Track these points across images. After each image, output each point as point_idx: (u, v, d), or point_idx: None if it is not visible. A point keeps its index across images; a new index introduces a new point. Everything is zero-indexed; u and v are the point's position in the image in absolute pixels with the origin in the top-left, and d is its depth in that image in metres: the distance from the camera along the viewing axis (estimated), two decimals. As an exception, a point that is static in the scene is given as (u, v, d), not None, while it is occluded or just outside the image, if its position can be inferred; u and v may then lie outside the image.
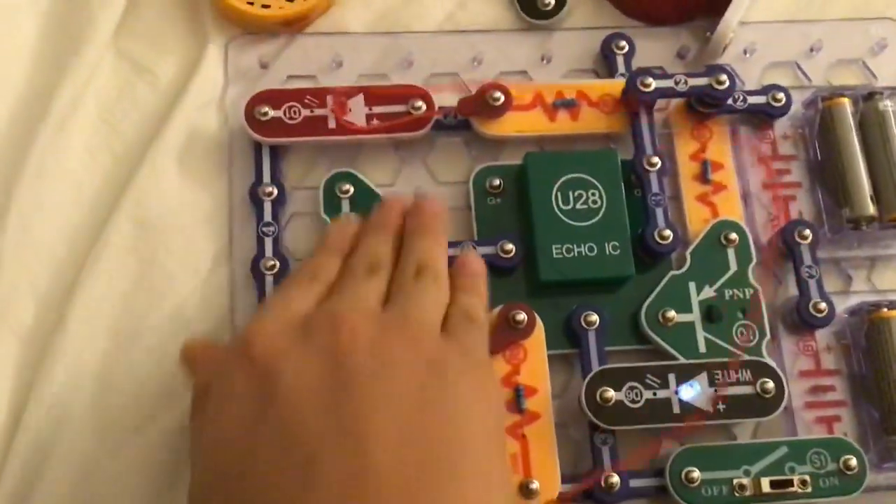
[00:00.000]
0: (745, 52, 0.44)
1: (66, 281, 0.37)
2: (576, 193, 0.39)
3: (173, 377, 0.36)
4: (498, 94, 0.39)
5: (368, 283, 0.33)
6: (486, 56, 0.42)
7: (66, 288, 0.37)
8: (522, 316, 0.36)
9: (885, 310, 0.39)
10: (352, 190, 0.39)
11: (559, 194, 0.39)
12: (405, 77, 0.41)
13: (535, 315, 0.37)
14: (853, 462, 0.36)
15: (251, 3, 0.41)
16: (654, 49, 0.43)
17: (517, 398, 0.36)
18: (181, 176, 0.39)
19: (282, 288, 0.34)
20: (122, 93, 0.40)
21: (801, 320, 0.38)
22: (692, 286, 0.39)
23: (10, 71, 0.40)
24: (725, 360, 0.37)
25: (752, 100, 0.41)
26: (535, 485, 0.35)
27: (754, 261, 0.39)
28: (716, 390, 0.36)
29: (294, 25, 0.42)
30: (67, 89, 0.39)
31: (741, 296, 0.39)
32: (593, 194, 0.39)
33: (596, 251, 0.38)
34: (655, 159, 0.40)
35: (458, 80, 0.42)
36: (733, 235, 0.39)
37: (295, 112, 0.39)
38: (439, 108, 0.40)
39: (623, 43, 0.42)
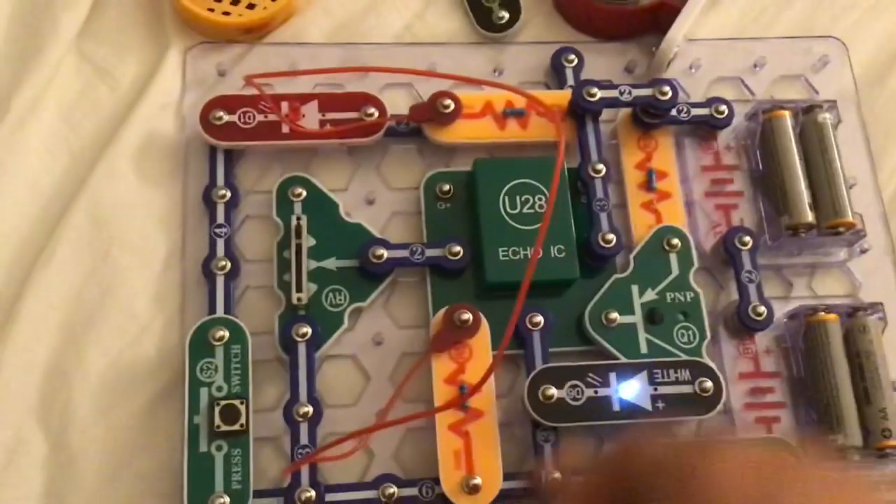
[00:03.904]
0: (691, 67, 0.45)
1: (19, 276, 0.38)
2: (523, 198, 0.40)
3: (122, 373, 0.36)
4: (448, 101, 0.41)
5: None
6: (441, 67, 0.44)
7: (20, 282, 0.38)
8: (467, 316, 0.37)
9: (823, 313, 0.40)
10: (304, 193, 0.40)
11: (506, 199, 0.40)
12: (361, 86, 0.42)
13: (481, 315, 0.38)
14: (790, 461, 0.37)
15: (212, 10, 0.42)
16: (603, 63, 0.45)
17: (461, 396, 0.37)
18: (137, 176, 0.40)
19: None
20: (83, 94, 0.41)
21: (741, 324, 0.40)
22: (635, 289, 0.40)
23: None
24: (665, 359, 0.38)
25: (695, 112, 0.43)
26: (477, 480, 0.36)
27: (696, 266, 0.40)
28: (655, 389, 0.37)
29: (254, 33, 0.43)
30: (28, 88, 0.40)
31: (682, 299, 0.40)
32: (539, 199, 0.40)
33: (542, 254, 0.39)
34: (600, 166, 0.41)
35: (413, 90, 0.43)
36: (676, 241, 0.40)
37: (249, 117, 0.40)
38: (392, 115, 0.41)
39: (573, 57, 0.44)
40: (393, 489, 0.36)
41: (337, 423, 0.38)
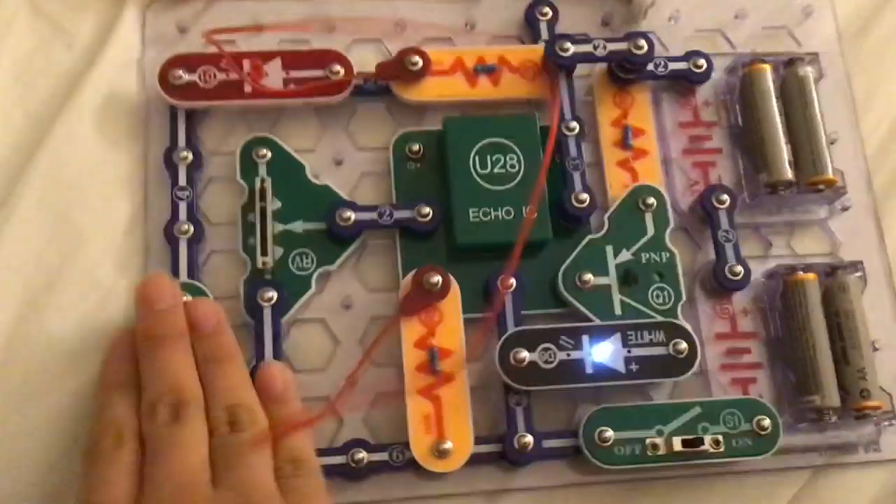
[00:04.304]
0: (670, 19, 0.44)
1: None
2: (494, 158, 0.39)
3: (83, 338, 0.35)
4: (416, 58, 0.39)
5: (182, 436, 0.31)
6: (410, 22, 0.42)
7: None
8: (437, 279, 0.37)
9: (801, 273, 0.39)
10: (269, 155, 0.39)
11: (477, 158, 0.39)
12: (327, 43, 0.41)
13: (451, 277, 0.37)
14: (766, 423, 0.36)
15: (169, -34, 0.40)
16: (578, 16, 0.43)
17: (431, 360, 0.36)
18: (97, 137, 0.39)
19: (91, 469, 0.31)
20: (38, 51, 0.40)
21: (717, 284, 0.39)
22: (609, 250, 0.39)
23: None
24: (639, 321, 0.37)
25: (673, 66, 0.41)
26: (447, 445, 0.35)
27: (671, 225, 0.39)
28: (629, 351, 0.36)
29: (215, -11, 0.41)
30: None
31: (658, 260, 0.39)
32: (511, 159, 0.39)
33: (513, 215, 0.38)
34: (574, 124, 0.40)
35: (382, 46, 0.42)
36: (651, 200, 0.39)
37: (210, 76, 0.39)
38: (359, 73, 0.39)
39: (546, 10, 0.42)
40: (363, 454, 0.35)
41: (307, 388, 0.37)
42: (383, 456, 0.36)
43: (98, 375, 0.34)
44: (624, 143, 0.41)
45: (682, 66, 0.41)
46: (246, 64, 0.39)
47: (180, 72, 0.38)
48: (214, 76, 0.38)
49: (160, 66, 0.38)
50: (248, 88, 0.39)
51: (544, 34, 0.42)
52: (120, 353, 0.33)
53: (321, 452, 0.36)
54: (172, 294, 0.33)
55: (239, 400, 0.32)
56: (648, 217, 0.39)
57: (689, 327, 0.37)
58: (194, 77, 0.38)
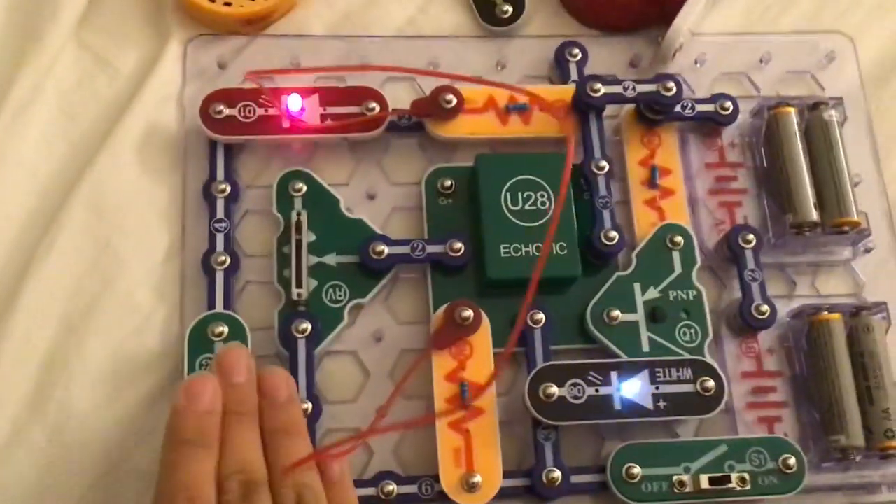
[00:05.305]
0: (696, 62, 0.45)
1: (18, 266, 0.38)
2: (525, 194, 0.39)
3: (121, 364, 0.36)
4: (450, 96, 0.40)
5: None
6: (443, 62, 0.43)
7: (19, 272, 0.38)
8: (469, 313, 0.37)
9: (826, 313, 0.39)
10: (305, 188, 0.39)
11: (508, 195, 0.39)
12: (362, 81, 0.42)
13: (482, 312, 0.38)
14: (792, 461, 0.37)
15: (213, 1, 0.41)
16: (607, 57, 0.44)
17: (462, 394, 0.37)
18: (137, 167, 0.40)
19: None
20: (82, 84, 0.41)
21: (743, 322, 0.39)
22: (637, 287, 0.39)
23: None
24: (667, 358, 0.38)
25: (700, 108, 0.42)
26: (476, 478, 0.36)
27: (698, 264, 0.40)
28: (657, 388, 0.37)
29: (255, 25, 0.42)
30: (28, 77, 0.40)
31: (685, 297, 0.39)
32: (542, 196, 0.40)
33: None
34: (603, 163, 0.41)
35: (415, 84, 0.43)
36: (679, 238, 0.40)
37: (250, 111, 0.39)
38: (393, 109, 0.40)
39: (576, 51, 0.43)
40: (392, 486, 0.36)
41: (336, 419, 0.38)
42: (413, 488, 0.36)
43: (141, 404, 0.35)
44: (651, 183, 0.41)
45: (708, 107, 0.42)
46: (284, 100, 0.40)
47: (221, 106, 0.39)
48: (254, 111, 0.39)
49: (202, 100, 0.39)
50: (285, 123, 0.39)
51: (573, 75, 0.43)
52: (192, 405, 0.31)
53: (352, 484, 0.36)
54: (248, 367, 0.32)
55: (308, 481, 0.31)
56: (676, 255, 0.40)
57: (716, 365, 0.38)
58: (234, 111, 0.39)
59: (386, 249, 0.38)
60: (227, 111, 0.39)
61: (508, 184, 0.40)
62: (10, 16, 0.41)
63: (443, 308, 0.38)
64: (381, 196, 0.41)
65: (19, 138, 0.39)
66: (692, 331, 0.39)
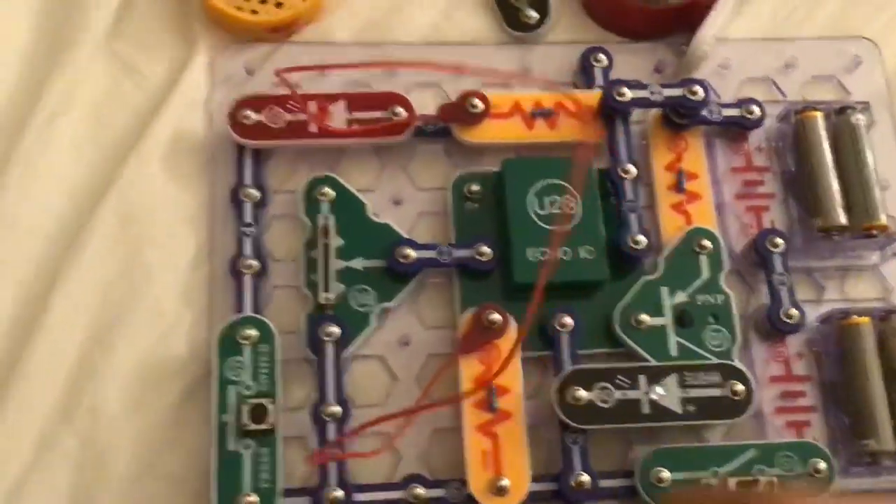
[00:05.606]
0: (721, 67, 0.45)
1: (48, 273, 0.38)
2: (551, 199, 0.40)
3: (148, 372, 0.36)
4: (477, 101, 0.40)
5: None
6: (469, 67, 0.43)
7: (48, 279, 0.38)
8: (496, 316, 0.37)
9: (856, 317, 0.39)
10: (332, 193, 0.40)
11: (535, 199, 0.39)
12: (388, 86, 0.42)
13: (509, 316, 0.38)
14: (821, 466, 0.36)
15: (240, 9, 0.42)
16: (632, 63, 0.44)
17: (490, 397, 0.37)
18: (165, 174, 0.40)
19: None
20: (111, 91, 0.41)
21: (772, 327, 0.39)
22: (665, 291, 0.39)
23: (2, 65, 0.41)
24: (696, 362, 0.37)
25: (726, 112, 0.42)
26: (505, 482, 0.36)
27: (726, 268, 0.40)
28: (686, 392, 0.37)
29: (281, 32, 0.43)
30: (58, 85, 0.40)
31: (713, 302, 0.39)
32: (568, 199, 0.40)
33: (570, 255, 0.39)
34: (630, 167, 0.41)
35: (440, 90, 0.43)
36: (706, 243, 0.40)
37: (277, 116, 0.40)
38: (420, 115, 0.41)
39: (602, 56, 0.43)
40: (420, 490, 0.36)
41: (364, 422, 0.37)
42: (441, 492, 0.36)
43: (170, 409, 0.35)
44: (678, 187, 0.41)
45: (735, 112, 0.42)
46: (312, 105, 0.40)
47: (249, 111, 0.39)
48: (282, 116, 0.40)
49: (231, 105, 0.40)
50: (313, 128, 0.40)
51: (599, 80, 0.43)
52: None
53: (380, 488, 0.36)
54: None
55: None
56: (704, 259, 0.40)
57: (745, 369, 0.37)
58: (262, 117, 0.40)
59: (413, 254, 0.38)
60: (255, 116, 0.39)
61: (535, 188, 0.40)
62: (41, 24, 0.42)
63: (469, 312, 0.38)
64: (407, 201, 0.41)
65: (50, 145, 0.40)
66: (721, 335, 0.39)
